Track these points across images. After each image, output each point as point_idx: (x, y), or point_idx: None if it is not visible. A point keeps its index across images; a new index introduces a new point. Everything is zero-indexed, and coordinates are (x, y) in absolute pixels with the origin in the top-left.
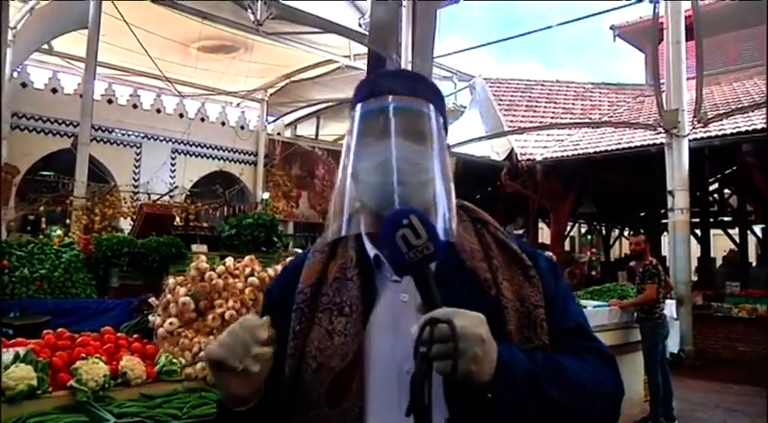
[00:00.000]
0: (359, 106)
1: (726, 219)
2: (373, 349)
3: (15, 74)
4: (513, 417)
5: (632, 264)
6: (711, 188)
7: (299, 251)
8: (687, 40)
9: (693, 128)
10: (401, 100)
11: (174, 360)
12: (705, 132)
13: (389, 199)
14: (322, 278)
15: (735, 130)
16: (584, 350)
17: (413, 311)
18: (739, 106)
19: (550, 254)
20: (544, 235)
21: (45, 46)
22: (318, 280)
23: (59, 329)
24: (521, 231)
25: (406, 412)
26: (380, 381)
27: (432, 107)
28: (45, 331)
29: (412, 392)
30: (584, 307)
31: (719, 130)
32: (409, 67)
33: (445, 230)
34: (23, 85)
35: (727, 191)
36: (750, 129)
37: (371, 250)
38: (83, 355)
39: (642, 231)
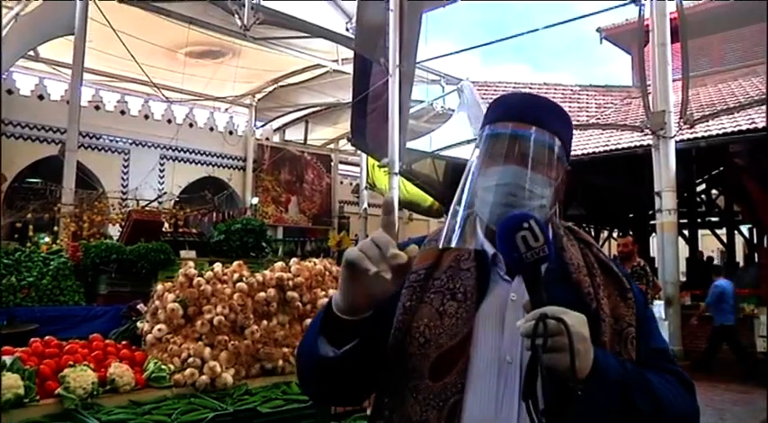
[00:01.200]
0: (488, 127)
1: (713, 219)
2: (480, 336)
3: (1, 81)
4: (600, 416)
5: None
6: (699, 189)
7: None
8: (673, 42)
9: (680, 129)
10: (528, 130)
11: (163, 366)
12: (692, 134)
13: (501, 218)
14: (436, 264)
15: (721, 132)
16: (667, 372)
17: (519, 310)
18: (725, 108)
19: None
20: None
21: (31, 52)
22: (432, 264)
23: (47, 337)
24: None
25: (521, 396)
26: (483, 365)
27: (556, 139)
28: (32, 339)
29: (527, 380)
30: None
31: (706, 131)
32: (397, 72)
33: (556, 246)
34: (9, 91)
35: (714, 191)
36: (736, 130)
37: (490, 249)
38: (71, 362)
39: (630, 233)
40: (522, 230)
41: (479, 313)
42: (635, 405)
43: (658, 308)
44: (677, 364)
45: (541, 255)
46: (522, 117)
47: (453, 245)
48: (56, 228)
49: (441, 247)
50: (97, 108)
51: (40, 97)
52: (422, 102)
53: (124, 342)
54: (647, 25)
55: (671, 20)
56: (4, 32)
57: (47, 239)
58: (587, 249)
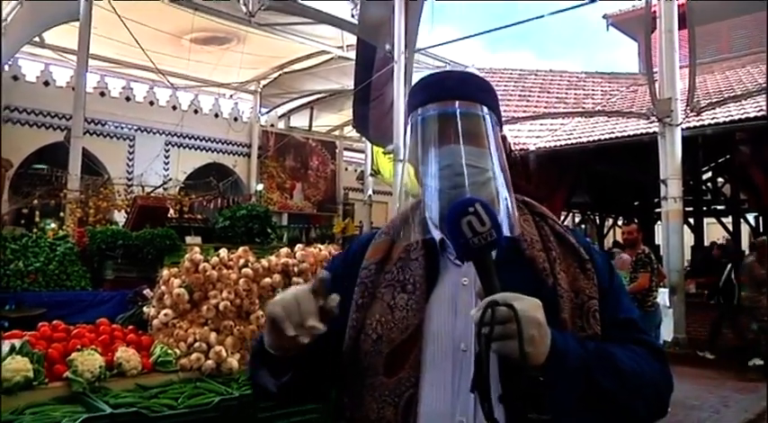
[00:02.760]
0: (416, 112)
1: (719, 207)
2: (432, 326)
3: (6, 67)
4: (562, 400)
5: (617, 253)
6: (705, 177)
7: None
8: (680, 29)
9: (686, 117)
10: (455, 106)
11: (169, 351)
12: (698, 121)
13: (452, 200)
14: (387, 257)
15: (728, 119)
16: (635, 342)
17: (472, 294)
18: (732, 95)
19: None
20: None
21: (36, 38)
22: (383, 258)
23: (55, 322)
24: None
25: (471, 388)
26: (437, 356)
27: (484, 108)
28: (41, 323)
29: (476, 370)
30: None
31: (712, 118)
32: (402, 59)
33: (508, 223)
34: (15, 78)
35: (720, 179)
36: (743, 117)
37: (437, 235)
38: (78, 346)
39: (635, 220)
40: (467, 215)
41: (431, 302)
42: (599, 385)
43: (663, 295)
44: (647, 334)
45: (489, 239)
46: (443, 94)
47: (403, 235)
48: (62, 214)
49: (390, 239)
50: (102, 94)
51: (46, 83)
52: None
53: (131, 327)
54: (655, 11)
55: (678, 6)
56: (8, 19)
57: (53, 225)
58: (543, 222)
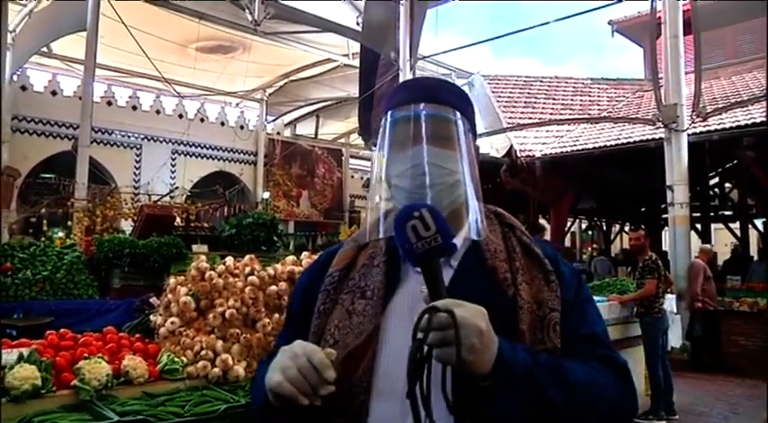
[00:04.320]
0: (387, 114)
1: (727, 213)
2: (388, 332)
3: (15, 77)
4: (510, 410)
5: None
6: (712, 182)
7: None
8: (685, 35)
9: (692, 122)
10: (427, 107)
11: (176, 359)
12: (704, 127)
13: (417, 201)
14: (351, 264)
15: (734, 124)
16: (596, 357)
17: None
18: (738, 100)
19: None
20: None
21: (44, 48)
22: (348, 265)
23: (62, 330)
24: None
25: (407, 395)
26: (390, 362)
27: (457, 113)
28: (48, 332)
29: (408, 376)
30: None
31: (719, 124)
32: (407, 66)
33: (477, 229)
34: (23, 88)
35: (727, 185)
36: (750, 123)
37: None
38: (85, 354)
39: (642, 226)
40: (412, 220)
41: (389, 309)
42: (546, 396)
43: (670, 301)
44: (612, 349)
45: (433, 244)
46: (416, 97)
47: (363, 241)
48: (69, 222)
49: (357, 246)
50: (109, 103)
51: (53, 93)
52: None
53: (137, 335)
54: (660, 17)
55: (684, 12)
56: (17, 30)
57: (60, 234)
58: (510, 233)
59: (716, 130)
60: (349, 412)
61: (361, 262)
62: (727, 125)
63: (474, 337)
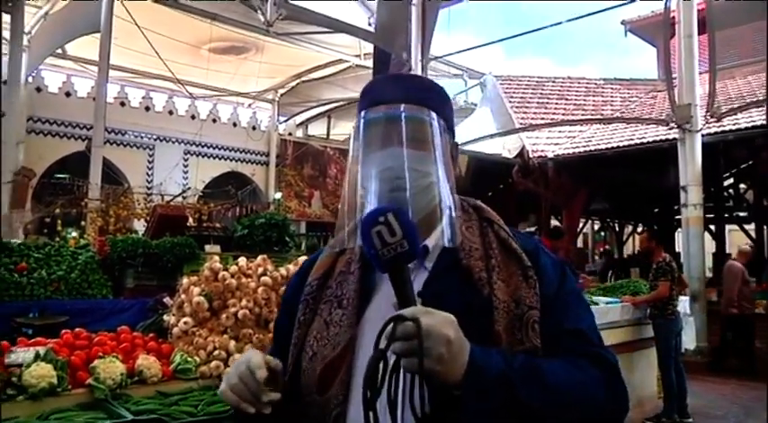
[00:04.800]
0: (358, 116)
1: (741, 214)
2: (364, 342)
3: (30, 78)
4: (482, 417)
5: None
6: (726, 183)
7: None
8: (700, 34)
9: (707, 122)
10: (397, 108)
11: (189, 358)
12: (719, 127)
13: (388, 204)
14: (329, 272)
15: (750, 124)
16: (582, 355)
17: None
18: (754, 100)
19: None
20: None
21: (59, 50)
22: (326, 273)
23: (77, 329)
24: (533, 229)
25: (364, 407)
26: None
27: (431, 112)
28: (63, 331)
29: (364, 388)
30: (596, 304)
31: (734, 124)
32: (419, 66)
33: (451, 234)
34: (38, 89)
35: (742, 186)
36: (765, 122)
37: None
38: (100, 353)
39: (646, 228)
40: (377, 225)
41: (365, 318)
42: (522, 401)
43: (683, 304)
44: (600, 345)
45: (399, 250)
46: (388, 97)
47: (338, 248)
48: (83, 222)
49: (335, 253)
50: (122, 104)
51: (68, 94)
52: None
53: (151, 334)
54: (674, 17)
55: (698, 11)
56: (33, 32)
57: (74, 234)
58: (489, 227)
59: (731, 131)
60: None
61: (338, 269)
62: (743, 125)
63: (441, 347)
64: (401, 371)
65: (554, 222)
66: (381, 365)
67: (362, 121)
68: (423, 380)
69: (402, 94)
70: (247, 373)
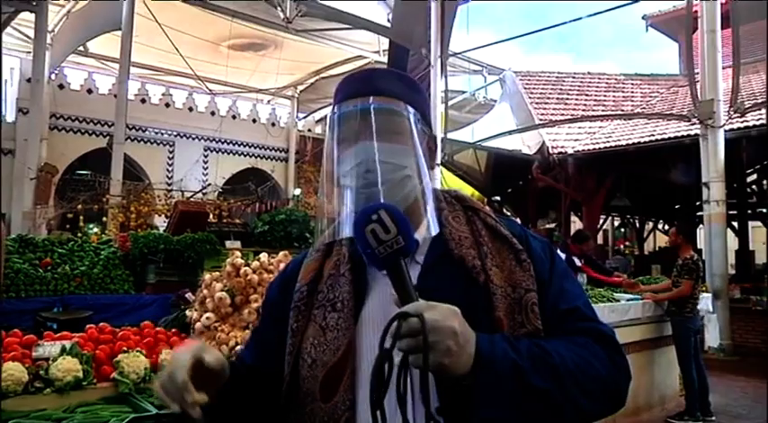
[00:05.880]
0: (331, 110)
1: (765, 210)
2: (364, 343)
3: (53, 76)
4: (496, 407)
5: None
6: (749, 179)
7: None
8: (723, 28)
9: (730, 118)
10: (368, 101)
11: None
12: (742, 122)
13: (369, 199)
14: (318, 276)
15: None
16: (580, 332)
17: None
18: None
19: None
20: (576, 229)
21: (81, 48)
22: (314, 278)
23: (101, 324)
24: (553, 225)
25: (372, 407)
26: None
27: (402, 104)
28: (88, 326)
29: (372, 388)
30: (617, 300)
31: (758, 119)
32: (438, 62)
33: (430, 223)
34: (61, 86)
35: (765, 182)
36: None
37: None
38: (124, 348)
39: (675, 223)
40: (370, 223)
41: (362, 319)
42: (532, 386)
43: (705, 301)
44: (596, 320)
45: (395, 247)
46: (360, 91)
47: (333, 250)
48: (104, 218)
49: (321, 256)
50: (143, 101)
51: (89, 91)
52: (464, 92)
53: (174, 330)
54: (696, 11)
55: (721, 5)
56: (56, 30)
57: (96, 230)
58: (475, 216)
59: (754, 126)
60: None
61: (328, 272)
62: (766, 120)
63: (448, 340)
64: (409, 368)
65: (574, 219)
66: (387, 365)
67: (334, 115)
68: (432, 375)
69: (372, 87)
70: (165, 376)
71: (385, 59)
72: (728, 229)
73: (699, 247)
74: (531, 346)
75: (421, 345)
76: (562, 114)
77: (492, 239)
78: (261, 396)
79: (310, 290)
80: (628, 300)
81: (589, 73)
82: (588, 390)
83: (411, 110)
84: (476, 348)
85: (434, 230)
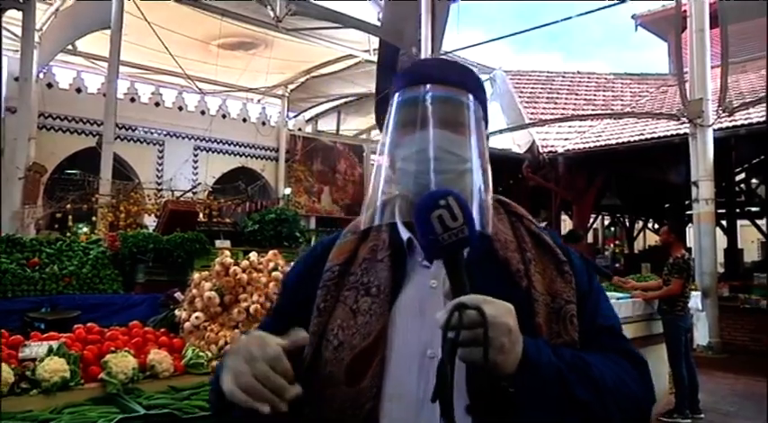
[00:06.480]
0: (397, 94)
1: (753, 209)
2: (397, 331)
3: (42, 75)
4: (533, 412)
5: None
6: (738, 178)
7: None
8: (712, 28)
9: (718, 117)
10: (440, 89)
11: (201, 353)
12: (731, 121)
13: (425, 188)
14: (352, 258)
15: (762, 119)
16: (615, 351)
17: (440, 298)
18: (766, 94)
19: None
20: (567, 228)
21: (69, 46)
22: (348, 259)
23: (89, 324)
24: (543, 224)
25: (432, 398)
26: (401, 363)
27: (471, 97)
28: (76, 326)
29: (439, 378)
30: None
31: (746, 118)
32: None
33: (481, 220)
34: (49, 85)
35: (754, 180)
36: None
37: (405, 234)
38: (112, 348)
39: (666, 221)
40: (438, 209)
41: (397, 306)
42: (574, 395)
43: (695, 299)
44: (627, 342)
45: (460, 236)
46: (431, 78)
47: (370, 234)
48: (94, 218)
49: (357, 238)
50: (132, 100)
51: (78, 90)
52: None
53: (162, 329)
54: (685, 11)
55: (710, 4)
56: (44, 28)
57: (85, 229)
58: (519, 222)
59: (742, 125)
60: (360, 419)
61: (363, 255)
62: (755, 120)
63: (503, 337)
64: (451, 362)
65: (564, 218)
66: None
67: (399, 99)
68: (478, 370)
69: (445, 76)
70: (265, 367)
71: (375, 59)
72: (717, 228)
73: (688, 245)
74: (573, 357)
75: (478, 338)
76: (552, 113)
77: (535, 246)
78: None
79: (342, 271)
80: (618, 298)
81: (579, 72)
82: (623, 407)
83: (478, 105)
84: (522, 350)
85: (487, 229)
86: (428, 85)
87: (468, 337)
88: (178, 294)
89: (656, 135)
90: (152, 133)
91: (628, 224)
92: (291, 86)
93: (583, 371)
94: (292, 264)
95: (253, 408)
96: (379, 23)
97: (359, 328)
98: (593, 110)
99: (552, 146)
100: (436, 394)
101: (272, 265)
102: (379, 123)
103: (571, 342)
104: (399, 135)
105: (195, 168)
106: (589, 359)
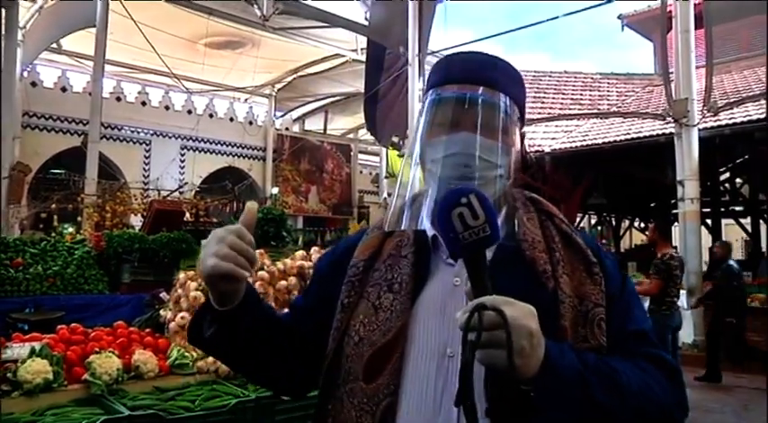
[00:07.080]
0: (431, 92)
1: (738, 208)
2: (417, 329)
3: (25, 73)
4: (557, 416)
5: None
6: (723, 178)
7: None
8: (697, 28)
9: (703, 117)
10: (474, 90)
11: (186, 354)
12: (715, 121)
13: (463, 186)
14: (376, 254)
15: (746, 119)
16: (645, 357)
17: (462, 296)
18: (750, 94)
19: None
20: None
21: (54, 45)
22: (373, 255)
23: (73, 324)
24: None
25: (455, 402)
26: (420, 361)
27: (506, 99)
28: (59, 326)
29: (462, 381)
30: None
31: (730, 118)
32: (416, 61)
33: (509, 228)
34: (33, 84)
35: (738, 180)
36: (762, 117)
37: (430, 231)
38: (96, 349)
39: (652, 220)
40: (459, 207)
41: (419, 304)
42: (596, 401)
43: (681, 298)
44: (661, 348)
45: (481, 235)
46: (468, 78)
47: (387, 228)
48: (79, 218)
49: (382, 235)
50: (118, 99)
51: (63, 89)
52: None
53: (148, 330)
54: (671, 11)
55: (695, 5)
56: (28, 26)
57: (70, 229)
58: (549, 221)
59: (727, 125)
60: (377, 415)
61: (387, 252)
62: (739, 120)
63: (524, 340)
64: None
65: None
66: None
67: (432, 97)
68: (498, 373)
69: (482, 76)
70: (235, 238)
71: (362, 58)
72: (702, 227)
73: (674, 244)
74: (598, 362)
75: (495, 340)
76: (539, 113)
77: (564, 247)
78: (270, 338)
79: (366, 266)
80: None
81: (566, 72)
82: (648, 415)
83: (515, 107)
84: (545, 354)
85: (515, 237)
86: (463, 85)
87: (488, 339)
88: (164, 294)
89: (641, 135)
90: (138, 133)
91: (614, 223)
92: (279, 86)
93: (607, 376)
94: (323, 252)
95: (233, 274)
96: (366, 23)
97: (380, 325)
98: (579, 109)
99: (539, 145)
100: (459, 399)
101: (258, 264)
102: (368, 121)
103: (597, 347)
104: (430, 135)
105: (182, 168)
106: (615, 364)
